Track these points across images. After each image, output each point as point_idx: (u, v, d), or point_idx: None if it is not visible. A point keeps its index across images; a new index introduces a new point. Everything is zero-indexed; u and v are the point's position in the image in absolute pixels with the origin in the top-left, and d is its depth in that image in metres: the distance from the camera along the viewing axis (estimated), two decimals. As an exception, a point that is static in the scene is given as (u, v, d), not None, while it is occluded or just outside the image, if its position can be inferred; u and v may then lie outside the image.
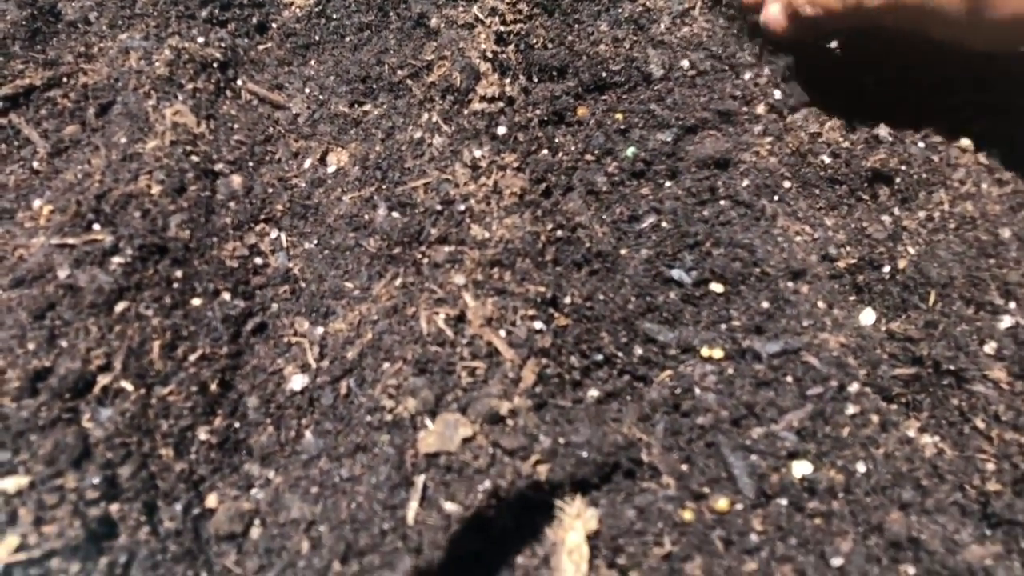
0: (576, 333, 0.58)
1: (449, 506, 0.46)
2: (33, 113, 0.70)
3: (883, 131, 0.67)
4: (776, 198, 0.64)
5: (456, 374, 0.52)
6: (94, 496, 0.47)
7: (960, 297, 0.58)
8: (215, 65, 0.72)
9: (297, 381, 0.56)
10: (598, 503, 0.48)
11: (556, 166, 0.69)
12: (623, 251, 0.63)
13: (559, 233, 0.63)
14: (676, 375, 0.56)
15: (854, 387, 0.54)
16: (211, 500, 0.51)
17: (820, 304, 0.59)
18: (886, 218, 0.63)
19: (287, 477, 0.52)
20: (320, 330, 0.58)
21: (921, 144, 0.66)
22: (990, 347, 0.56)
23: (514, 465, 0.48)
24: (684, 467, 0.50)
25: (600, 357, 0.57)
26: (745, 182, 0.65)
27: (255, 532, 0.49)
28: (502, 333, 0.54)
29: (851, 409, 0.52)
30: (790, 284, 0.59)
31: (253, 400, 0.55)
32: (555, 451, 0.48)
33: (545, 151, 0.70)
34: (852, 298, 0.61)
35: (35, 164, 0.66)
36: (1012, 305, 0.56)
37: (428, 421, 0.49)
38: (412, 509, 0.47)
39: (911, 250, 0.60)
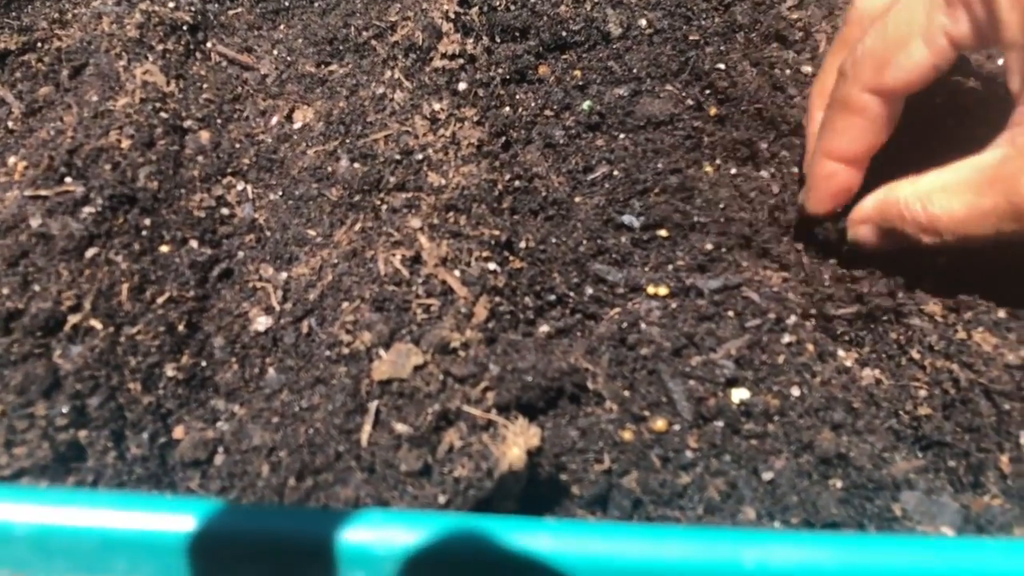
0: (530, 275, 0.60)
1: (400, 427, 0.48)
2: (8, 76, 0.72)
3: None
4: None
5: (411, 311, 0.55)
6: (63, 423, 0.49)
7: None
8: (185, 28, 0.74)
9: (261, 322, 0.58)
10: (544, 426, 0.51)
11: (516, 121, 0.71)
12: (577, 199, 0.65)
13: (516, 183, 0.66)
14: (624, 312, 0.58)
15: (792, 320, 0.56)
16: (178, 431, 0.54)
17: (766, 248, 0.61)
18: None
19: (251, 410, 0.54)
20: (284, 275, 0.60)
21: None
22: (927, 284, 0.58)
23: (463, 391, 0.50)
24: (626, 393, 0.53)
25: (553, 297, 0.60)
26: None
27: (218, 459, 0.52)
28: (456, 272, 0.56)
29: (787, 339, 0.55)
30: (735, 230, 0.62)
31: (219, 340, 0.58)
32: (503, 378, 0.51)
33: (506, 108, 0.73)
34: (799, 245, 0.64)
35: (10, 124, 0.69)
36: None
37: (382, 352, 0.52)
38: (365, 432, 0.49)
39: None
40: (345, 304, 0.56)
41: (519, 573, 0.34)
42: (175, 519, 0.34)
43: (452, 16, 0.74)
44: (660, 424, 0.51)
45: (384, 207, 0.61)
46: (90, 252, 0.57)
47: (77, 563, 0.33)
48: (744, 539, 0.35)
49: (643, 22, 0.76)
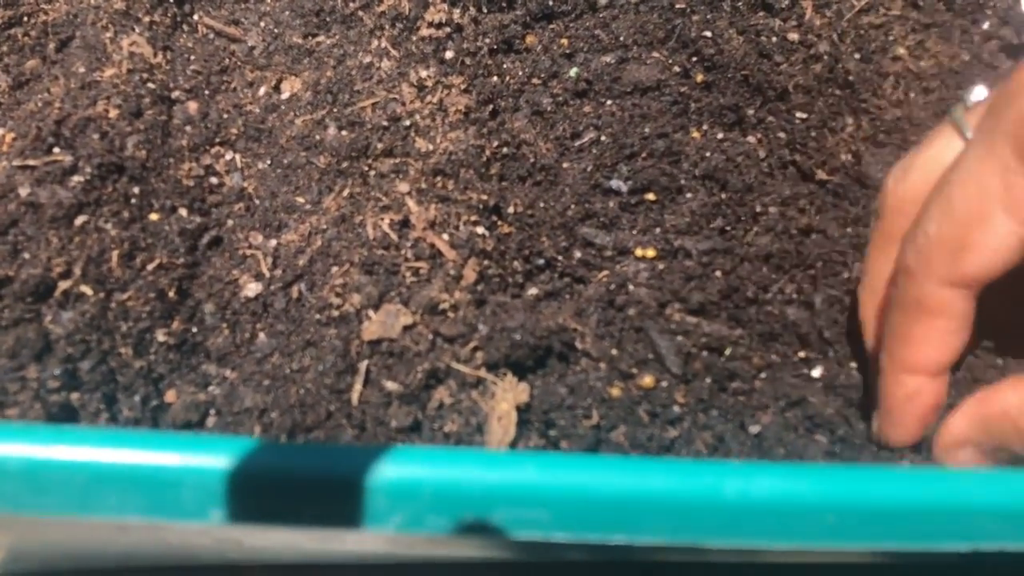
0: (519, 239, 0.60)
1: (390, 385, 0.49)
2: (-5, 50, 0.72)
3: None
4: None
5: (400, 273, 0.55)
6: (55, 386, 0.49)
7: None
8: (171, 0, 0.74)
9: (251, 288, 0.58)
10: (532, 383, 0.51)
11: (503, 90, 0.71)
12: (565, 164, 0.65)
13: (504, 150, 0.66)
14: (612, 274, 0.59)
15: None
16: (169, 395, 0.54)
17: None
18: None
19: (242, 373, 0.54)
20: (273, 242, 0.60)
21: None
22: None
23: (453, 350, 0.51)
24: (614, 351, 0.53)
25: (542, 261, 0.60)
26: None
27: (211, 421, 0.52)
28: (445, 236, 0.57)
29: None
30: (723, 195, 0.62)
31: (210, 307, 0.58)
32: (492, 337, 0.51)
33: (494, 77, 0.73)
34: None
35: (-3, 97, 0.69)
36: None
37: (372, 313, 0.52)
38: (356, 391, 0.50)
39: None
40: (334, 268, 0.57)
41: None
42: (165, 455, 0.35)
43: (438, -14, 0.74)
44: (648, 380, 0.51)
45: (372, 173, 0.61)
46: (79, 220, 0.57)
47: (69, 499, 0.34)
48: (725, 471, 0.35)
49: (630, -9, 0.76)
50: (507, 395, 0.48)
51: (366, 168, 0.62)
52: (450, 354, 0.50)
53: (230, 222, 0.63)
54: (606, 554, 0.39)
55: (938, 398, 0.47)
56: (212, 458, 0.35)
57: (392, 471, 0.35)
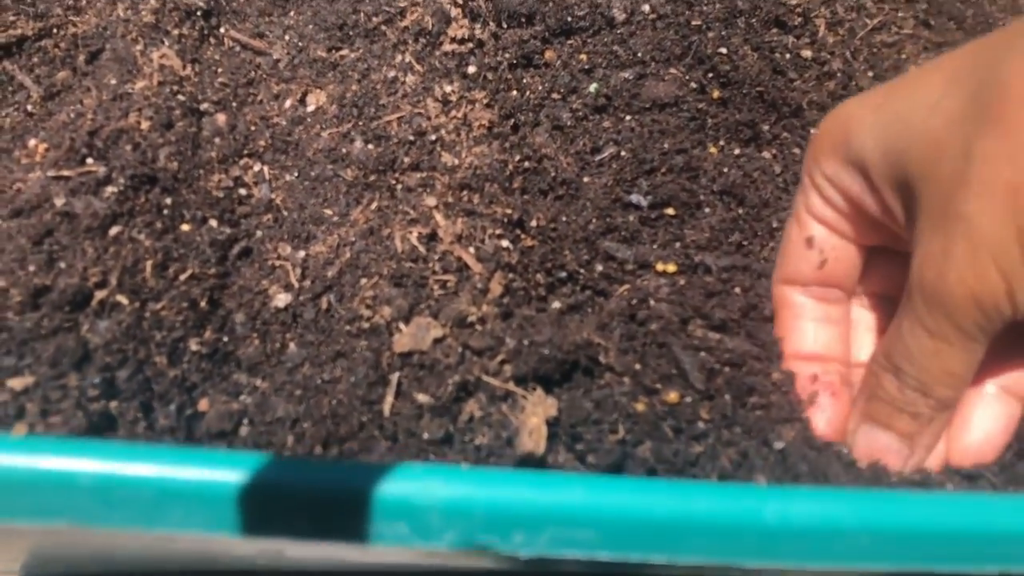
0: (541, 253, 0.62)
1: (421, 397, 0.50)
2: (25, 61, 0.74)
3: None
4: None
5: (428, 286, 0.56)
6: (94, 394, 0.51)
7: None
8: (199, 13, 0.76)
9: (281, 299, 0.60)
10: (560, 397, 0.52)
11: (524, 104, 0.73)
12: (586, 179, 0.67)
13: (526, 164, 0.67)
14: (633, 288, 0.60)
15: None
16: (203, 404, 0.55)
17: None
18: None
19: (273, 383, 0.56)
20: (302, 253, 0.62)
21: None
22: None
23: (482, 363, 0.52)
24: (638, 366, 0.55)
25: (564, 274, 0.61)
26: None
27: (243, 430, 0.53)
28: (471, 249, 0.58)
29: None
30: (740, 210, 0.64)
31: (240, 316, 0.59)
32: (519, 350, 0.52)
33: (514, 92, 0.74)
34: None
35: (29, 107, 0.70)
36: None
37: (402, 325, 0.54)
38: (388, 403, 0.51)
39: None
40: (363, 280, 0.58)
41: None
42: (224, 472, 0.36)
43: (460, 2, 0.76)
44: (672, 396, 0.53)
45: (399, 186, 0.62)
46: (114, 230, 0.58)
47: (136, 513, 0.35)
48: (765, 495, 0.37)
49: (646, 8, 0.78)
50: (537, 409, 0.49)
51: (393, 182, 0.63)
52: (479, 367, 0.52)
53: (259, 233, 0.64)
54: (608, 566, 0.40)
55: (824, 383, 0.53)
56: (279, 477, 0.36)
57: (447, 491, 0.36)
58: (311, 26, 0.79)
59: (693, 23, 0.77)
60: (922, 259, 0.43)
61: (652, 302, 0.59)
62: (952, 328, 0.43)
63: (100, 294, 0.55)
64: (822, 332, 0.54)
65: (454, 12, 0.75)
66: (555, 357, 0.52)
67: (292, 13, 0.82)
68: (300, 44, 0.77)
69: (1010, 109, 0.39)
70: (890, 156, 0.45)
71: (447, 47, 0.72)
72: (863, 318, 0.56)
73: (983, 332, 0.43)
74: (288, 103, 0.72)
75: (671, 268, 0.60)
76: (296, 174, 0.67)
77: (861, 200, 0.49)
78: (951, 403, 0.47)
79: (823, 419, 0.52)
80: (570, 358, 0.53)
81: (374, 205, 0.62)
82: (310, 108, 0.71)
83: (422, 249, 0.58)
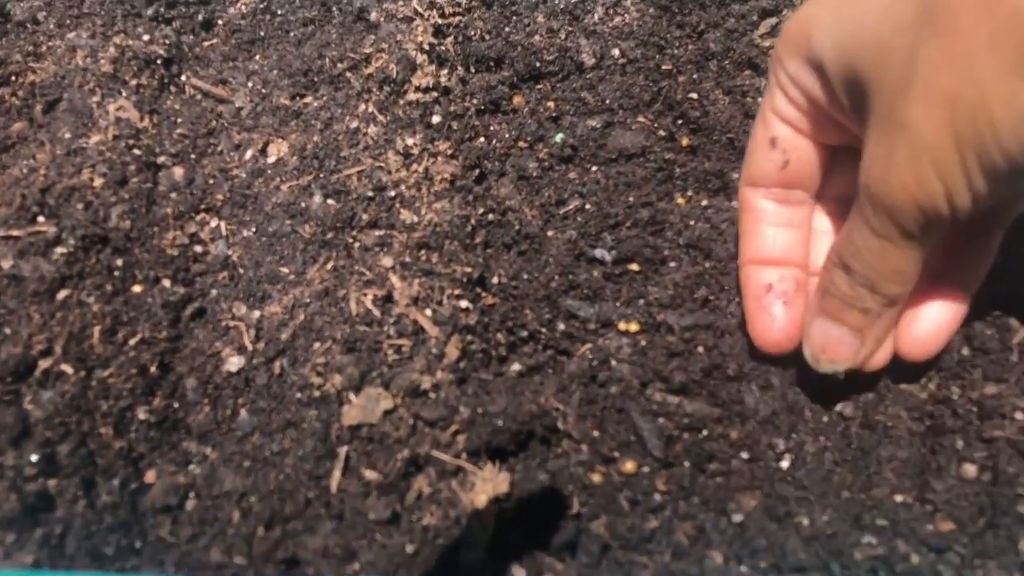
0: (502, 311, 0.60)
1: (369, 474, 0.49)
2: (-18, 111, 0.72)
3: None
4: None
5: (382, 351, 0.55)
6: (32, 472, 0.49)
7: None
8: (159, 62, 0.74)
9: (234, 363, 0.58)
10: (514, 468, 0.51)
11: (490, 153, 0.71)
12: (550, 232, 0.65)
13: (490, 217, 0.66)
14: (595, 348, 0.59)
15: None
16: (149, 476, 0.54)
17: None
18: None
19: (222, 453, 0.54)
20: (257, 313, 0.60)
21: None
22: None
23: (433, 435, 0.51)
24: (596, 433, 0.53)
25: (525, 333, 0.60)
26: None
27: (190, 504, 0.52)
28: (428, 312, 0.57)
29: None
30: (707, 264, 0.62)
31: (192, 381, 0.58)
32: (473, 420, 0.51)
33: (481, 139, 0.73)
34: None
35: (-17, 160, 0.69)
36: None
37: (352, 396, 0.52)
38: (335, 479, 0.49)
39: None
40: (317, 344, 0.57)
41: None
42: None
43: (427, 47, 0.75)
44: (629, 466, 0.51)
45: (356, 245, 0.61)
46: (62, 294, 0.57)
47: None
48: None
49: (616, 52, 0.76)
50: (487, 485, 0.48)
51: (350, 240, 0.62)
52: (431, 439, 0.50)
53: (214, 292, 0.63)
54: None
55: (779, 291, 0.54)
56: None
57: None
58: (276, 71, 0.78)
59: (663, 67, 0.76)
60: (868, 162, 0.44)
61: (613, 363, 0.57)
62: (896, 229, 0.44)
63: (44, 363, 0.54)
64: (782, 236, 0.55)
65: (420, 58, 0.74)
66: (510, 429, 0.51)
67: (258, 57, 0.81)
68: (264, 91, 0.76)
69: (952, 18, 0.39)
70: (844, 58, 0.45)
71: (411, 96, 0.71)
72: (825, 224, 0.57)
73: (926, 233, 0.44)
74: (249, 154, 0.70)
75: (633, 327, 0.59)
76: (254, 230, 0.65)
77: (820, 99, 0.49)
78: (899, 299, 0.49)
79: (775, 326, 0.54)
80: (526, 428, 0.52)
81: (330, 264, 0.60)
82: (271, 159, 0.70)
83: (377, 312, 0.56)
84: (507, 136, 0.73)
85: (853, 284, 0.48)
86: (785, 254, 0.55)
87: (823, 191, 0.56)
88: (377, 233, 0.61)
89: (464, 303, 0.58)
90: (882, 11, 0.43)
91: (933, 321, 0.52)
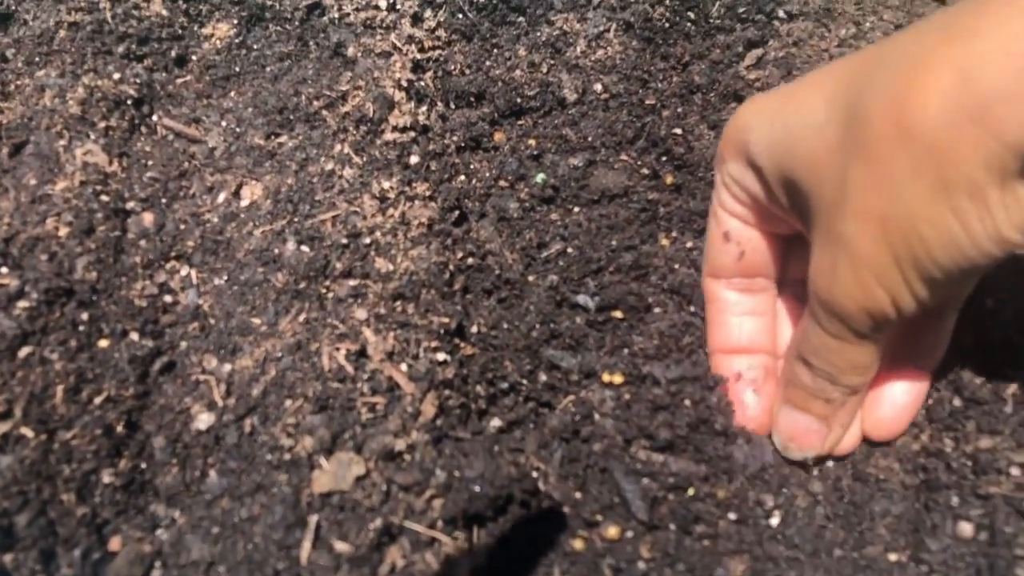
0: (482, 362, 0.59)
1: (340, 546, 0.47)
2: (-53, 154, 0.70)
3: None
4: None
5: (355, 410, 0.53)
6: (-12, 547, 0.47)
7: None
8: (129, 102, 0.72)
9: (203, 420, 0.56)
10: (492, 534, 0.49)
11: (471, 192, 0.70)
12: (531, 278, 0.64)
13: (469, 261, 0.64)
14: (578, 400, 0.57)
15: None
16: (114, 543, 0.52)
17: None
18: None
19: (191, 518, 0.52)
20: (227, 367, 0.58)
21: None
22: None
23: (408, 501, 0.49)
24: (578, 495, 0.51)
25: (505, 385, 0.58)
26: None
27: (156, 575, 0.50)
28: (403, 367, 0.55)
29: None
30: (692, 310, 0.61)
31: (160, 440, 0.56)
32: (450, 486, 0.49)
33: (461, 177, 0.71)
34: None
35: (-53, 207, 0.66)
36: None
37: (323, 460, 0.50)
38: (305, 549, 0.47)
39: None
40: (288, 402, 0.55)
41: None
42: None
43: (405, 84, 0.73)
44: (612, 531, 0.49)
45: (330, 296, 0.59)
46: (23, 352, 0.55)
47: None
48: None
49: (598, 87, 0.75)
50: (463, 557, 0.46)
51: (324, 290, 0.60)
52: (405, 506, 0.48)
53: (183, 344, 0.60)
54: None
55: (748, 380, 0.56)
56: None
57: None
58: (251, 109, 0.76)
59: (647, 102, 0.74)
60: (814, 272, 0.46)
61: (597, 416, 0.56)
62: (849, 331, 0.46)
63: (3, 427, 0.52)
64: (747, 324, 0.56)
65: (398, 96, 0.72)
66: (488, 494, 0.49)
67: (232, 94, 0.79)
68: (238, 130, 0.74)
69: (875, 146, 0.40)
70: (781, 168, 0.47)
71: (388, 135, 0.69)
72: (791, 306, 0.58)
73: (878, 331, 0.45)
74: (222, 197, 0.68)
75: (617, 379, 0.57)
76: (225, 278, 0.63)
77: (761, 198, 0.51)
78: (860, 388, 0.50)
79: (747, 414, 0.55)
80: (504, 492, 0.50)
81: (303, 317, 0.59)
82: (244, 202, 0.68)
83: (350, 368, 0.54)
84: (487, 175, 0.71)
85: (815, 377, 0.50)
86: (752, 342, 0.56)
87: (785, 275, 0.57)
88: (351, 283, 0.59)
89: (441, 355, 0.56)
90: (815, 129, 0.44)
91: (896, 403, 0.53)
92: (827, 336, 0.47)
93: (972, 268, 0.40)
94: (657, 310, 0.61)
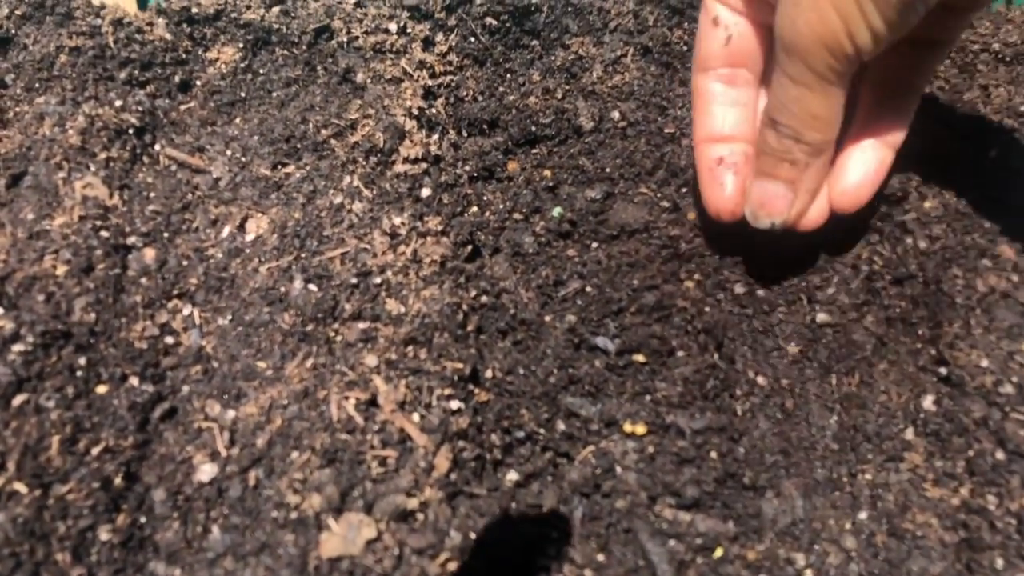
0: (497, 409, 0.56)
1: (350, 615, 0.44)
2: (-56, 184, 0.68)
3: None
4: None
5: (365, 464, 0.50)
6: (-24, 616, 0.44)
7: None
8: (131, 131, 0.70)
9: (206, 471, 0.53)
10: (510, 601, 0.46)
11: (484, 225, 0.67)
12: (547, 318, 0.61)
13: (483, 299, 0.62)
14: (598, 451, 0.54)
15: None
16: (111, 606, 0.49)
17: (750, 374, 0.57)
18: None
19: (191, 577, 0.50)
20: (231, 414, 0.56)
21: None
22: None
23: (421, 565, 0.46)
24: (601, 557, 0.49)
25: (522, 434, 0.55)
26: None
27: (153, 642, 0.47)
28: (415, 417, 0.52)
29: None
30: (717, 355, 0.58)
31: (160, 493, 0.53)
32: (464, 549, 0.46)
33: (473, 208, 0.69)
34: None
35: (-58, 241, 0.64)
36: None
37: (332, 521, 0.47)
38: (313, 618, 0.45)
39: None
40: (295, 454, 0.52)
41: None
42: None
43: (416, 112, 0.70)
44: (637, 600, 0.47)
45: (339, 339, 0.57)
46: (18, 400, 0.53)
47: None
48: None
49: (616, 114, 0.72)
50: (479, 631, 0.43)
51: (332, 333, 0.57)
52: (419, 572, 0.45)
53: (185, 388, 0.58)
54: None
55: (729, 163, 0.59)
56: None
57: None
58: (256, 137, 0.73)
59: (666, 131, 0.72)
60: (780, 16, 0.49)
61: (619, 470, 0.53)
62: (808, 72, 0.49)
63: (-4, 482, 0.49)
64: (731, 114, 0.59)
65: (408, 125, 0.69)
66: (505, 556, 0.46)
67: (238, 120, 0.76)
68: (243, 159, 0.71)
69: None
70: None
71: (399, 167, 0.67)
72: None
73: (835, 74, 0.49)
74: (226, 231, 0.66)
75: (640, 429, 0.54)
76: (230, 318, 0.61)
77: None
78: (822, 146, 0.54)
79: (725, 192, 0.59)
80: (522, 556, 0.47)
81: (310, 362, 0.56)
82: (249, 237, 0.65)
83: (359, 419, 0.52)
84: (501, 207, 0.69)
85: (780, 138, 0.53)
86: (734, 131, 0.59)
87: (766, 80, 0.60)
88: (361, 326, 0.56)
89: (455, 403, 0.54)
90: None
91: (859, 173, 0.57)
92: (791, 84, 0.50)
93: None
94: (680, 353, 0.58)
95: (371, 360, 0.54)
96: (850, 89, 0.51)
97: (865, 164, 0.57)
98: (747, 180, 0.58)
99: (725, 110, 0.59)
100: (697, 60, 0.60)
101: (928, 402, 0.56)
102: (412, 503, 0.48)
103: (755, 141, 0.58)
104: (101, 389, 0.56)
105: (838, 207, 0.58)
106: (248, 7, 0.81)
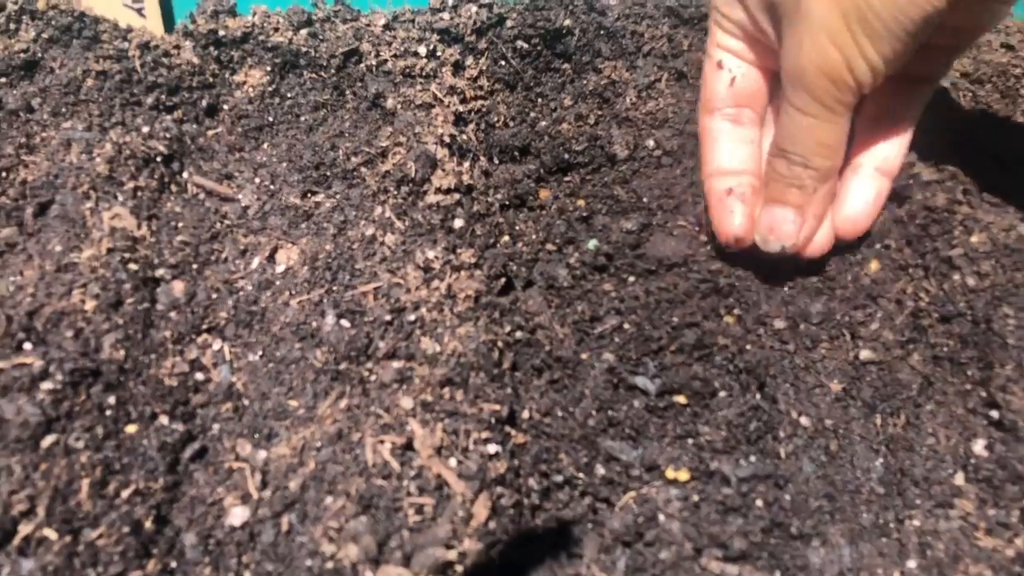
0: (534, 452, 0.54)
1: (390, 678, 0.43)
2: (-29, 212, 0.67)
3: None
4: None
5: (402, 511, 0.49)
6: (5, 671, 0.43)
7: None
8: (159, 159, 0.69)
9: (237, 515, 0.52)
10: (552, 660, 0.45)
11: (516, 256, 0.66)
12: (584, 355, 0.59)
13: (518, 335, 0.60)
14: (639, 498, 0.53)
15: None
16: (141, 656, 0.48)
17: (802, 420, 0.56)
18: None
19: (224, 629, 0.48)
20: (263, 454, 0.54)
21: None
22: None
23: (462, 623, 0.45)
24: (646, 614, 0.47)
25: (560, 479, 0.54)
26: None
27: None
28: (452, 463, 0.51)
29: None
30: (760, 395, 0.56)
31: (191, 537, 0.52)
32: (505, 603, 0.45)
33: (505, 238, 0.67)
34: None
35: (-31, 271, 0.63)
36: None
37: (370, 574, 0.46)
38: (351, 677, 0.43)
39: None
40: (329, 499, 0.51)
41: None
42: None
43: (447, 140, 0.69)
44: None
45: (373, 379, 0.55)
46: (47, 441, 0.51)
47: None
48: None
49: (651, 142, 0.71)
50: None
51: (366, 373, 0.56)
52: (459, 630, 0.44)
53: (216, 427, 0.57)
54: None
55: (738, 193, 0.62)
56: None
57: None
58: (285, 163, 0.72)
59: (702, 158, 0.70)
60: (784, 53, 0.55)
61: (662, 518, 0.51)
62: (814, 102, 0.54)
63: (25, 528, 0.48)
64: (737, 150, 0.63)
65: (440, 153, 0.68)
66: (547, 614, 0.45)
67: (266, 146, 0.75)
68: (272, 187, 0.70)
69: None
70: None
71: (431, 198, 0.65)
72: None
73: (839, 103, 0.54)
74: (256, 262, 0.65)
75: (683, 476, 0.53)
76: (260, 353, 0.60)
77: (748, 26, 0.60)
78: (829, 172, 0.58)
79: (735, 220, 0.61)
80: (565, 612, 0.45)
81: (344, 402, 0.55)
82: (279, 268, 0.64)
83: (396, 464, 0.50)
84: (534, 237, 0.67)
85: (790, 165, 0.57)
86: (741, 165, 0.63)
87: (767, 119, 0.64)
88: (395, 365, 0.55)
89: (492, 447, 0.52)
90: None
91: (860, 201, 0.61)
92: (799, 115, 0.55)
93: (910, 23, 0.48)
94: (723, 394, 0.57)
95: (407, 402, 0.53)
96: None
97: (864, 194, 0.61)
98: (755, 209, 0.61)
99: (732, 146, 0.63)
100: (703, 102, 0.64)
101: (979, 446, 0.54)
102: (451, 554, 0.46)
103: (760, 175, 0.62)
104: (131, 428, 0.54)
105: (840, 235, 0.62)
106: (276, 29, 0.80)
